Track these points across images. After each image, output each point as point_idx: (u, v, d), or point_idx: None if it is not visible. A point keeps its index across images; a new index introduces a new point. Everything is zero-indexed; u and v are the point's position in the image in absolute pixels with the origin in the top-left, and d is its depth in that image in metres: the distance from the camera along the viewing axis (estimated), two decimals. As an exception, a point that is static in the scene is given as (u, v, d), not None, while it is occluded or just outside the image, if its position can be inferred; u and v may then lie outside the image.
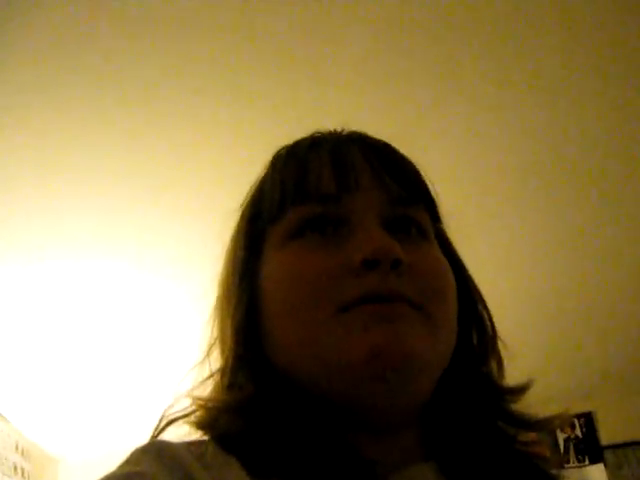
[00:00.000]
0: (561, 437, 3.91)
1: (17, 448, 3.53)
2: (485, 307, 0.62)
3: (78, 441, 3.84)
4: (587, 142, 2.22)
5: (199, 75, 1.88)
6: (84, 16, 1.68)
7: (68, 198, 2.22)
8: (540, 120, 2.11)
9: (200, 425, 0.55)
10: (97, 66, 1.81)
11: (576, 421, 3.97)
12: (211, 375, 0.59)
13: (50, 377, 3.18)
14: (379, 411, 0.53)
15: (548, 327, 3.24)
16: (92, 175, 2.14)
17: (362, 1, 1.72)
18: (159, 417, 0.57)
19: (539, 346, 3.23)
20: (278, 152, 0.65)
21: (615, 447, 3.85)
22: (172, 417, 0.56)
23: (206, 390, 0.58)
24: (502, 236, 2.62)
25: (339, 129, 0.65)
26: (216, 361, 0.60)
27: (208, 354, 0.61)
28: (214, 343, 0.61)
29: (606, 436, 3.90)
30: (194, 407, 0.56)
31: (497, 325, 0.62)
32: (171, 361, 3.07)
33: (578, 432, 3.96)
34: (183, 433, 0.56)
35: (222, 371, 0.58)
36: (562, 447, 3.90)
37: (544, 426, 0.59)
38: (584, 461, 3.88)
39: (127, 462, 0.51)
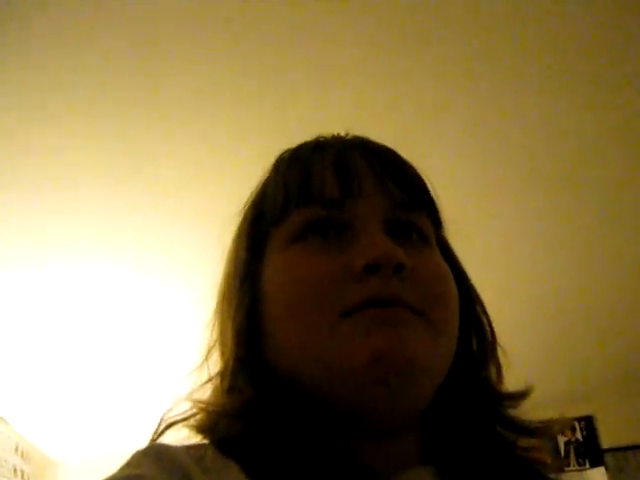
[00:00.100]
0: (561, 440, 3.90)
1: (17, 450, 3.53)
2: (485, 313, 0.62)
3: (78, 444, 3.84)
4: (587, 143, 2.22)
5: (200, 77, 1.88)
6: (85, 16, 1.68)
7: (68, 202, 2.22)
8: (540, 121, 2.11)
9: (200, 429, 0.55)
10: (98, 67, 1.80)
11: (577, 424, 3.96)
12: (211, 378, 0.59)
13: (50, 380, 3.18)
14: (380, 415, 0.53)
15: (548, 329, 3.24)
16: (92, 179, 2.14)
17: (363, 2, 1.72)
18: (158, 420, 0.57)
19: (539, 348, 3.23)
20: (281, 155, 0.65)
21: (616, 450, 3.84)
22: (172, 420, 0.56)
23: (206, 393, 0.58)
24: (502, 236, 2.62)
25: (342, 133, 0.65)
26: (215, 364, 0.60)
27: (207, 357, 0.61)
28: (214, 346, 0.61)
29: (607, 439, 3.89)
30: (194, 410, 0.56)
31: (496, 327, 0.62)
32: (170, 364, 3.07)
33: (579, 435, 3.95)
34: (182, 437, 0.56)
35: (222, 374, 0.57)
36: (563, 450, 3.90)
37: (544, 432, 0.59)
38: (585, 464, 3.88)
39: (127, 465, 0.51)
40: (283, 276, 0.56)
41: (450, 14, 1.77)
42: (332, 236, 0.56)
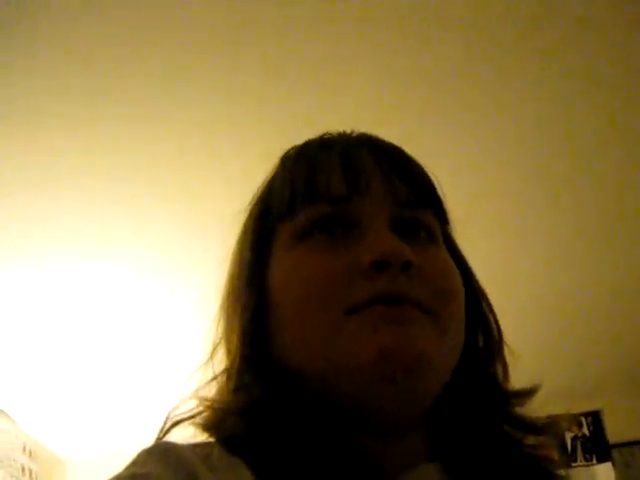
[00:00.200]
0: (568, 436, 3.89)
1: (25, 449, 3.54)
2: (491, 310, 0.62)
3: (85, 442, 3.85)
4: (589, 143, 2.21)
5: (203, 78, 1.87)
6: (92, 21, 1.68)
7: (68, 203, 2.22)
8: (540, 120, 2.11)
9: (206, 427, 0.55)
10: (99, 70, 1.80)
11: (583, 419, 3.95)
12: (216, 376, 0.58)
13: (57, 379, 3.20)
14: (387, 413, 0.53)
15: (554, 324, 3.24)
16: (92, 180, 2.14)
17: (370, 2, 1.72)
18: (164, 418, 0.57)
19: (545, 343, 3.22)
20: (288, 152, 0.65)
21: (623, 445, 3.83)
22: (177, 418, 0.56)
23: (211, 391, 0.58)
24: (507, 233, 2.62)
25: (349, 131, 0.65)
26: (221, 362, 0.59)
27: (213, 355, 0.60)
28: (219, 343, 0.61)
29: (614, 434, 3.88)
30: (200, 408, 0.56)
31: (501, 321, 0.62)
32: (175, 361, 3.07)
33: (585, 430, 3.94)
34: (188, 435, 0.56)
35: (228, 372, 0.57)
36: (569, 446, 3.89)
37: (550, 429, 0.59)
38: (592, 460, 3.87)
39: (133, 464, 0.50)
40: (289, 274, 0.56)
41: (451, 15, 1.76)
42: (338, 234, 0.56)
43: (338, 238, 0.56)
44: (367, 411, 0.53)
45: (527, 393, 0.59)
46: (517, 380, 0.61)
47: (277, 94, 1.94)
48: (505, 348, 0.61)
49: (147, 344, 3.02)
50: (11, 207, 2.21)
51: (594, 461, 3.86)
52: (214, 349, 0.60)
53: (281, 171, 0.63)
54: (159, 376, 3.21)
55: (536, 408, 0.59)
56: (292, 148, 0.65)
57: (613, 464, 3.82)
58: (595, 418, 3.95)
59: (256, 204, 0.64)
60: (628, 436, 3.81)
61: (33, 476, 3.58)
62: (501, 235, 2.58)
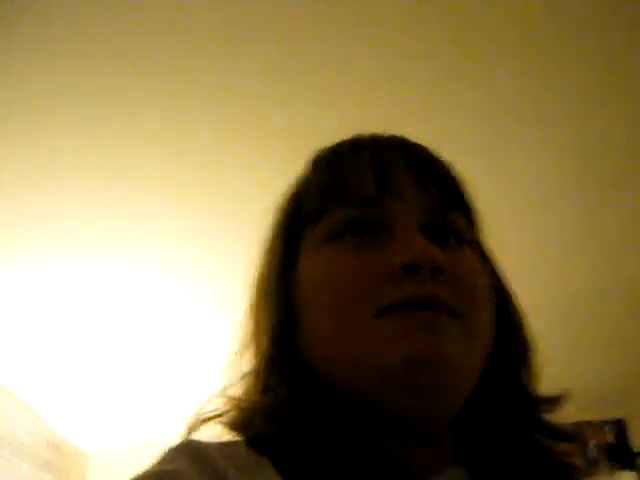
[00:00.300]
0: (592, 443, 3.85)
1: (48, 443, 3.58)
2: (521, 316, 0.62)
3: (107, 436, 3.89)
4: (613, 145, 2.19)
5: (201, 80, 1.86)
6: (92, 22, 1.68)
7: (68, 203, 2.23)
8: (561, 122, 2.09)
9: (233, 426, 0.55)
10: (99, 70, 1.81)
11: (607, 427, 3.91)
12: (244, 375, 0.58)
13: (80, 374, 3.23)
14: (414, 418, 0.53)
15: (580, 332, 3.20)
16: (92, 180, 2.15)
17: (370, 2, 1.71)
18: (192, 416, 0.57)
19: (570, 352, 3.19)
20: (319, 153, 0.64)
21: (647, 454, 3.79)
22: (205, 417, 0.56)
23: (238, 391, 0.57)
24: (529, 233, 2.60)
25: (380, 132, 0.65)
26: (249, 362, 0.59)
27: (241, 354, 0.60)
28: (248, 343, 0.61)
29: (638, 442, 3.84)
30: (227, 407, 0.56)
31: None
32: (197, 356, 3.10)
33: (609, 438, 3.90)
34: (215, 433, 0.56)
35: (256, 372, 0.57)
36: (593, 454, 3.85)
37: (577, 437, 0.58)
38: (615, 468, 3.82)
39: (160, 461, 0.51)
40: (319, 276, 0.56)
41: (451, 15, 1.75)
42: (367, 236, 0.55)
43: (367, 240, 0.55)
44: (394, 415, 0.52)
45: (557, 400, 0.58)
46: (541, 387, 0.60)
47: (277, 94, 1.93)
48: (534, 354, 0.60)
49: (156, 340, 3.04)
50: (11, 207, 2.22)
51: (618, 469, 3.82)
52: (242, 349, 0.60)
53: (312, 172, 0.63)
54: (182, 369, 3.24)
55: (561, 416, 0.59)
56: (323, 149, 0.65)
57: (637, 472, 3.77)
58: (619, 426, 3.91)
59: (286, 205, 0.64)
60: (653, 444, 3.77)
61: (57, 470, 3.62)
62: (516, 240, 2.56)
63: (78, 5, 1.65)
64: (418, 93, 1.96)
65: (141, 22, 1.70)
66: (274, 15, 1.71)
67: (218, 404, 0.57)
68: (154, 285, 2.69)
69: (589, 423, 3.74)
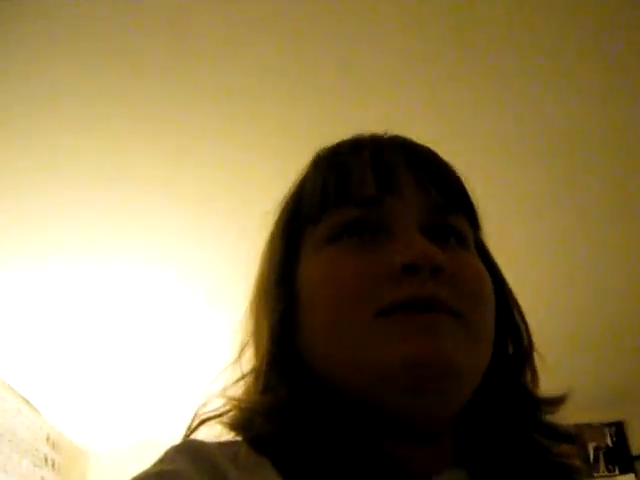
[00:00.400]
0: (591, 446, 3.85)
1: (48, 440, 3.58)
2: (522, 317, 0.61)
3: (108, 434, 3.89)
4: (635, 149, 2.19)
5: (201, 80, 1.85)
6: (91, 22, 1.68)
7: (68, 203, 2.23)
8: (568, 122, 2.09)
9: (233, 426, 0.55)
10: (99, 71, 1.80)
11: (606, 430, 3.91)
12: (244, 376, 0.58)
13: (81, 372, 3.24)
14: (414, 418, 0.53)
15: (579, 335, 3.20)
16: (93, 180, 2.15)
17: (370, 2, 1.71)
18: (192, 416, 0.57)
19: (569, 354, 3.19)
20: (319, 153, 0.64)
21: (647, 457, 3.79)
22: (205, 416, 0.56)
23: (238, 390, 0.58)
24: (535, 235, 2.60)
25: (381, 132, 0.65)
26: (249, 361, 0.59)
27: (241, 354, 0.60)
28: (247, 343, 0.61)
29: (637, 446, 3.84)
30: (227, 407, 0.56)
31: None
32: (197, 355, 3.10)
33: (608, 441, 3.90)
34: (215, 433, 0.56)
35: (256, 372, 0.57)
36: (592, 456, 3.85)
37: (577, 438, 0.58)
38: (614, 471, 3.82)
39: (161, 461, 0.51)
40: (319, 277, 0.56)
41: (451, 16, 1.75)
42: (367, 237, 0.55)
43: (367, 241, 0.55)
44: (394, 415, 0.52)
45: (558, 400, 0.58)
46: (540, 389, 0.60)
47: (277, 94, 1.93)
48: (535, 355, 0.60)
49: (157, 339, 3.05)
50: (11, 208, 2.22)
51: (617, 472, 3.82)
52: (242, 348, 0.60)
53: (312, 173, 0.63)
54: (183, 368, 3.24)
55: (560, 418, 0.59)
56: (324, 149, 0.65)
57: (636, 475, 3.77)
58: (618, 429, 3.91)
59: (287, 206, 0.64)
60: (652, 447, 3.77)
61: (56, 467, 3.62)
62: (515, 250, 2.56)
63: (78, 5, 1.64)
64: (418, 93, 1.96)
65: (141, 22, 1.70)
66: (274, 15, 1.71)
67: (218, 404, 0.57)
68: (154, 285, 2.69)
69: (589, 425, 3.75)
